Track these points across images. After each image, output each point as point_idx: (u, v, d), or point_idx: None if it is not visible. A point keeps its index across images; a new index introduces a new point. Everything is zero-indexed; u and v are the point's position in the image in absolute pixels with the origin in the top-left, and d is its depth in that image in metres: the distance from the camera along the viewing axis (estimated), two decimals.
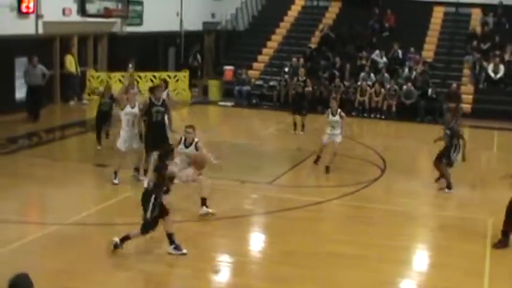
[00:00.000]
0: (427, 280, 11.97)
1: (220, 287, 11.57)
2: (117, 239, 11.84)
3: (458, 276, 11.97)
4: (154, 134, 16.38)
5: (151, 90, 16.95)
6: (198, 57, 36.28)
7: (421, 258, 13.34)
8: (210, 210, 14.10)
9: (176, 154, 13.92)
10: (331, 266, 12.15)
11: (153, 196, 11.59)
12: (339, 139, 19.20)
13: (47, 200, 16.00)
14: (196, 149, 14.28)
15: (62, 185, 16.54)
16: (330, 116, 19.23)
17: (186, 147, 14.39)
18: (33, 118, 24.36)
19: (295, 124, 24.60)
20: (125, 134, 16.57)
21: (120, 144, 16.55)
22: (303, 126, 24.60)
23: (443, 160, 17.62)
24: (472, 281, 11.76)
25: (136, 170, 16.90)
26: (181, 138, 14.54)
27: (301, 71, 26.60)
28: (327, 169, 18.89)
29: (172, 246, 11.90)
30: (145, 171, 15.31)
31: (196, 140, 14.39)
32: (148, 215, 11.61)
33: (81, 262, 11.71)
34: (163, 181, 11.70)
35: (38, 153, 19.93)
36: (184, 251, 11.90)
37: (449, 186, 17.49)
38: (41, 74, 24.83)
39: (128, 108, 16.59)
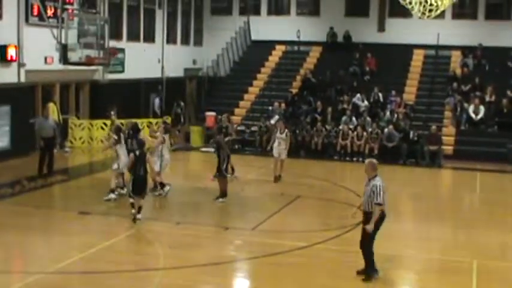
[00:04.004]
0: None
1: None
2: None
3: None
4: None
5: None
6: (181, 103, 36.21)
7: None
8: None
9: None
10: None
11: None
12: (283, 155, 23.88)
13: (28, 249, 15.75)
14: None
15: (44, 233, 16.40)
16: (278, 133, 24.07)
17: None
18: (47, 171, 23.50)
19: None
20: None
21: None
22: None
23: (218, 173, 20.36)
24: None
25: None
26: None
27: (281, 125, 25.05)
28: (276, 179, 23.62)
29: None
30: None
31: None
32: None
33: None
34: None
35: (20, 201, 19.74)
36: None
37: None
38: (52, 126, 24.16)
39: None
